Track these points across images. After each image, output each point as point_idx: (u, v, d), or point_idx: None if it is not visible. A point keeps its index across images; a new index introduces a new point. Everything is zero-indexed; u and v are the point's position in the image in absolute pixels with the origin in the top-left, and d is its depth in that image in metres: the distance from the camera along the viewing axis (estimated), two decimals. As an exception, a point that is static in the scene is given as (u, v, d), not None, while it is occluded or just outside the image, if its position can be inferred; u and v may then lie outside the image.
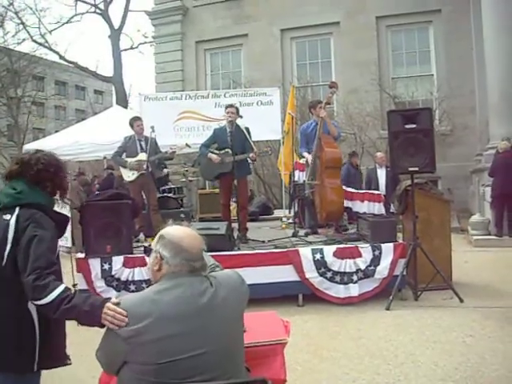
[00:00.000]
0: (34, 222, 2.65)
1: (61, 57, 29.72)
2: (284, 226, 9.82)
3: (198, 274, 2.38)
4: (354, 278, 6.92)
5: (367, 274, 6.93)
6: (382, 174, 11.16)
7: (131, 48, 29.95)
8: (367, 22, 17.40)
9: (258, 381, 2.31)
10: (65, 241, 6.95)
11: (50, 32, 28.73)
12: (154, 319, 2.24)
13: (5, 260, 2.61)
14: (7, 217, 2.67)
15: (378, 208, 9.11)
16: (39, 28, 28.68)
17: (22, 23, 27.73)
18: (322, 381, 4.60)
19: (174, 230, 2.46)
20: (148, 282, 6.71)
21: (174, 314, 2.26)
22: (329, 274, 6.90)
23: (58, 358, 2.84)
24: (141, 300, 2.33)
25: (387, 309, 6.53)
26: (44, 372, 2.94)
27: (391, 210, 10.25)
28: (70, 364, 2.95)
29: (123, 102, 25.45)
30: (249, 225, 8.43)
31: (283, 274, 6.90)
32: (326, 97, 8.45)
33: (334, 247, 7.03)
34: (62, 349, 2.87)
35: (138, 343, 2.23)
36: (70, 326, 5.87)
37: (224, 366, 2.32)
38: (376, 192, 9.75)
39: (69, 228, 6.85)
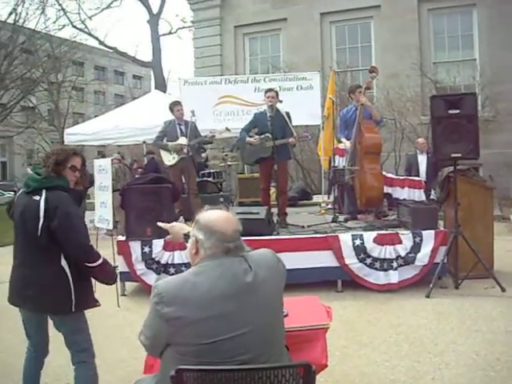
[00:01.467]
0: (64, 202, 3.37)
1: (100, 42, 30.02)
2: (323, 211, 9.78)
3: (235, 255, 2.39)
4: (394, 264, 6.88)
5: (407, 260, 6.88)
6: (422, 160, 10.99)
7: (170, 33, 30.04)
8: (408, 5, 17.02)
9: (302, 365, 2.31)
10: (106, 223, 7.03)
11: (90, 18, 29.01)
12: (195, 301, 2.26)
13: (39, 231, 3.31)
14: (36, 197, 3.36)
15: (418, 194, 8.99)
16: (79, 14, 28.97)
17: (63, 9, 28.03)
18: (361, 367, 4.59)
19: (208, 214, 2.49)
20: (188, 266, 6.74)
21: (215, 295, 2.27)
22: (368, 261, 6.87)
23: (89, 301, 3.57)
24: (181, 282, 2.35)
25: (427, 296, 6.49)
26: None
27: (431, 197, 10.11)
28: (100, 305, 3.65)
29: (162, 86, 25.58)
30: (288, 210, 8.41)
31: (322, 259, 6.92)
32: (365, 82, 8.39)
33: (374, 233, 6.99)
34: (91, 295, 3.61)
35: (180, 325, 2.26)
36: (112, 309, 6.00)
37: (266, 346, 2.33)
38: (416, 178, 9.63)
39: (110, 211, 6.94)
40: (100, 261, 3.47)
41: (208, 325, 2.24)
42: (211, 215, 2.47)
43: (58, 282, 3.38)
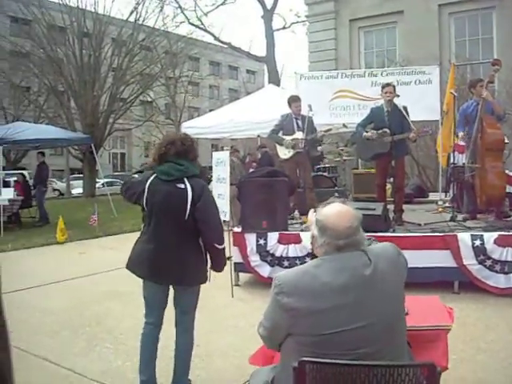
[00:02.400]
0: (206, 189, 3.83)
1: (215, 38, 30.76)
2: (440, 209, 9.50)
3: (352, 250, 2.37)
4: (516, 268, 6.56)
5: (531, 264, 6.54)
6: (548, 159, 10.42)
7: (283, 28, 30.24)
8: (534, -7, 16.17)
9: (427, 365, 2.27)
10: (223, 214, 7.24)
11: (206, 14, 29.84)
12: (315, 291, 2.28)
13: (187, 216, 3.73)
14: (181, 186, 3.74)
15: (542, 195, 8.52)
16: (195, 11, 29.90)
17: (180, 7, 29.08)
18: (479, 372, 4.43)
19: (324, 209, 2.48)
20: (302, 259, 6.84)
21: (336, 286, 2.28)
22: (488, 262, 6.58)
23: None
24: (301, 273, 2.38)
25: (553, 304, 6.15)
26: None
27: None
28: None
29: (275, 81, 25.81)
30: (403, 207, 8.26)
31: (439, 259, 6.71)
32: (488, 75, 8.04)
33: (495, 234, 6.68)
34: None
35: (300, 315, 2.28)
36: (226, 299, 6.17)
37: (386, 340, 2.30)
38: (541, 178, 9.11)
39: (228, 202, 7.14)
40: (224, 245, 3.95)
41: (328, 315, 2.26)
42: (326, 210, 2.46)
43: (199, 257, 3.89)
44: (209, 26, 33.80)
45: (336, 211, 2.43)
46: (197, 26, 29.91)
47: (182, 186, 3.74)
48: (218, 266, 4.03)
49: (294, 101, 8.87)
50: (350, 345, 2.24)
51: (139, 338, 3.98)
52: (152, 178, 3.83)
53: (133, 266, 3.93)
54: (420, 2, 17.90)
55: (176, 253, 3.80)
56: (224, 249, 3.96)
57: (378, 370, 2.19)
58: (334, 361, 2.21)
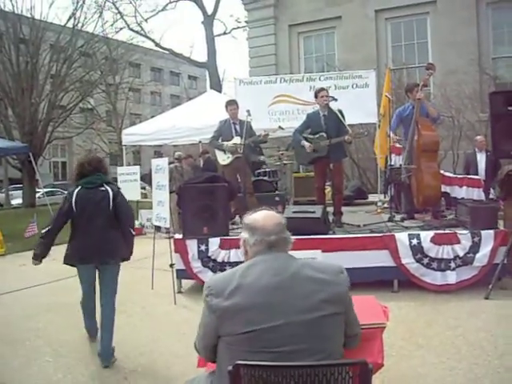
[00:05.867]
0: (119, 190, 5.14)
1: (156, 44, 30.62)
2: (379, 210, 9.68)
3: (281, 250, 2.51)
4: (452, 265, 6.73)
5: (466, 261, 6.72)
6: (481, 159, 10.74)
7: (224, 33, 30.40)
8: (466, -1, 16.65)
9: (359, 363, 2.31)
10: (163, 222, 7.17)
11: (146, 20, 29.67)
12: (242, 290, 2.36)
13: (111, 208, 4.97)
14: (103, 189, 4.99)
15: (477, 193, 8.78)
16: (135, 17, 29.79)
17: (120, 12, 28.74)
18: (418, 368, 4.52)
19: (252, 215, 2.65)
20: (244, 264, 6.84)
21: (260, 285, 2.36)
22: (425, 260, 6.75)
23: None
24: (230, 275, 2.48)
25: (486, 298, 6.33)
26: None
27: (491, 196, 9.87)
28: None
29: (217, 86, 25.84)
30: (343, 209, 8.38)
31: (378, 258, 6.84)
32: (422, 79, 8.26)
33: (431, 233, 6.86)
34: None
35: (227, 315, 2.35)
36: (168, 306, 6.15)
37: (309, 340, 2.33)
38: (475, 177, 9.41)
39: (167, 209, 7.08)
40: (134, 233, 5.23)
41: (252, 313, 2.32)
42: (253, 215, 2.64)
43: (121, 239, 5.05)
44: (149, 31, 33.61)
45: (262, 214, 2.62)
46: (137, 32, 29.71)
47: (103, 189, 5.01)
48: (130, 248, 5.11)
49: (229, 104, 8.92)
50: (273, 342, 2.30)
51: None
52: (77, 189, 4.96)
53: (73, 258, 4.98)
54: (357, 7, 18.21)
55: (106, 235, 4.94)
56: (134, 236, 5.15)
57: (312, 371, 2.22)
58: (265, 363, 2.23)
